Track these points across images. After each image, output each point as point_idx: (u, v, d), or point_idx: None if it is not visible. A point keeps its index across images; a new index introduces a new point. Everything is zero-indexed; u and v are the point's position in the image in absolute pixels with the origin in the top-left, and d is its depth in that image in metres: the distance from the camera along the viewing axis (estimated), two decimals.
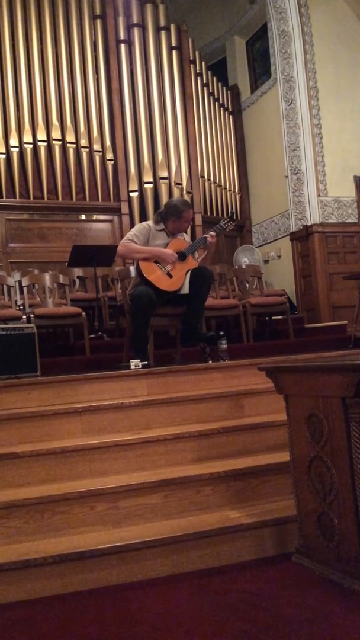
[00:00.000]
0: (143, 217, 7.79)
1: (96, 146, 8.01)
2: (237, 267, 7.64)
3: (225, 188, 9.14)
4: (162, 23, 8.53)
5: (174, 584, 2.16)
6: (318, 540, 2.15)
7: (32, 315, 4.92)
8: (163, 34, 8.51)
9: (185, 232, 4.52)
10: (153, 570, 2.24)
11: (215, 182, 8.94)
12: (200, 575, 2.22)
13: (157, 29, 8.50)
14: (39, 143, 7.63)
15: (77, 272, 6.83)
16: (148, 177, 8.08)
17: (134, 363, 3.77)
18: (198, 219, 8.36)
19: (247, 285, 6.38)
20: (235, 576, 2.19)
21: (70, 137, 7.83)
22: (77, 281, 6.86)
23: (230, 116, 9.52)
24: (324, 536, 2.11)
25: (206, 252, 4.39)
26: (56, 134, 7.74)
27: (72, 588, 2.17)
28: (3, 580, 2.12)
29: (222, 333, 4.33)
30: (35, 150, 7.64)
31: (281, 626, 1.77)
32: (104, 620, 1.91)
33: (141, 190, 8.09)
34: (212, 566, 2.29)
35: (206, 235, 4.30)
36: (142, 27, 8.42)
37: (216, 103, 9.25)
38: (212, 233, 4.31)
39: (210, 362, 4.10)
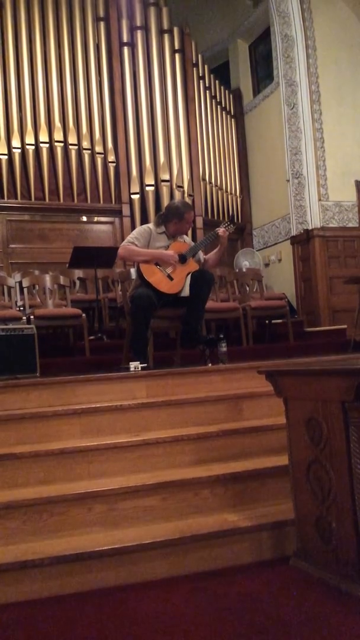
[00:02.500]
0: (144, 220, 7.80)
1: (98, 148, 8.02)
2: (237, 270, 7.64)
3: (226, 191, 9.16)
4: (165, 26, 8.56)
5: (172, 586, 2.16)
6: (316, 544, 2.15)
7: (32, 316, 4.92)
8: (166, 36, 8.53)
9: (186, 235, 4.52)
10: (151, 572, 2.24)
11: (216, 185, 8.95)
12: (198, 578, 2.22)
13: (160, 32, 8.53)
14: (41, 144, 7.65)
15: (78, 273, 6.84)
16: (149, 180, 8.09)
17: (134, 365, 3.76)
18: (199, 222, 8.37)
19: (248, 288, 6.38)
20: (232, 579, 2.18)
21: (72, 138, 7.85)
22: (78, 282, 6.87)
23: (232, 119, 9.54)
24: (322, 539, 2.11)
25: (219, 247, 4.40)
26: (58, 135, 7.76)
27: (70, 589, 2.17)
28: (1, 581, 2.12)
29: (221, 336, 4.32)
30: (37, 151, 7.65)
31: (278, 629, 1.77)
32: (102, 621, 1.91)
33: (142, 193, 8.10)
34: (209, 569, 2.29)
35: (218, 231, 4.31)
36: (145, 29, 8.44)
37: (218, 106, 9.28)
38: (222, 228, 4.33)
39: (210, 364, 4.10)
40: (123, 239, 4.86)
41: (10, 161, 7.52)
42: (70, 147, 7.83)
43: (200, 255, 4.44)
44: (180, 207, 4.27)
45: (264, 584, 2.11)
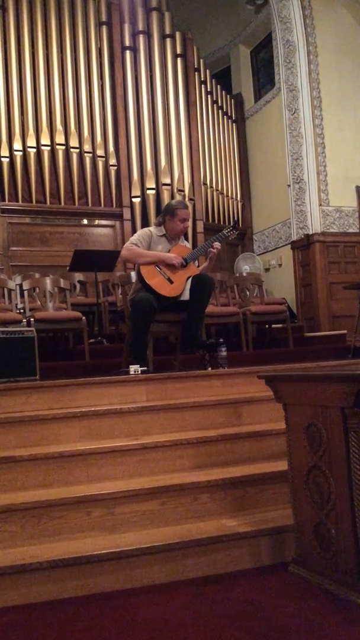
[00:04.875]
0: (145, 223, 7.81)
1: (99, 151, 8.04)
2: (237, 275, 7.65)
3: (227, 196, 9.17)
4: (168, 31, 8.58)
5: (170, 591, 2.16)
6: (315, 551, 2.14)
7: (32, 319, 4.92)
8: (168, 41, 8.56)
9: (186, 239, 4.51)
10: (149, 577, 2.24)
11: (217, 190, 8.97)
12: (197, 583, 2.21)
13: (163, 37, 8.55)
14: (43, 147, 7.66)
15: (78, 276, 6.84)
16: (150, 183, 8.11)
17: (134, 369, 3.76)
18: (200, 226, 8.38)
19: (248, 293, 6.39)
20: (231, 585, 2.18)
21: (73, 142, 7.87)
22: (78, 286, 6.87)
23: (234, 124, 9.56)
24: (321, 546, 2.11)
25: (207, 262, 4.38)
26: (60, 138, 7.77)
27: (68, 594, 2.16)
28: None
29: (221, 340, 4.33)
30: (39, 154, 7.67)
31: (276, 636, 1.76)
32: (101, 626, 1.90)
33: (143, 196, 8.11)
34: (208, 574, 2.28)
35: (210, 249, 4.28)
36: (148, 34, 8.47)
37: (220, 111, 9.29)
38: (217, 244, 4.29)
39: (210, 369, 4.10)
40: (124, 243, 4.86)
41: (12, 164, 7.53)
42: (71, 150, 7.84)
43: (196, 262, 4.44)
44: (174, 204, 4.28)
45: (262, 590, 2.11)
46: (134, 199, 8.08)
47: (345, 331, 6.91)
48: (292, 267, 8.09)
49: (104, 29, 8.30)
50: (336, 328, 7.30)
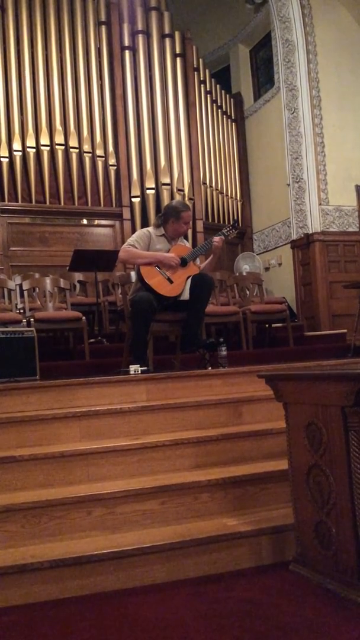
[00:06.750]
0: (144, 223, 7.81)
1: (99, 151, 8.04)
2: (237, 274, 7.65)
3: (227, 195, 9.17)
4: (167, 30, 8.58)
5: (171, 590, 2.16)
6: (315, 549, 2.14)
7: (32, 319, 4.92)
8: (167, 41, 8.55)
9: (186, 239, 4.51)
10: (150, 576, 2.24)
11: (217, 189, 8.97)
12: (197, 582, 2.22)
13: (162, 36, 8.55)
14: (42, 147, 7.66)
15: (78, 276, 6.84)
16: (150, 183, 8.10)
17: (134, 368, 3.76)
18: (199, 226, 8.38)
19: (248, 292, 6.39)
20: (231, 584, 2.18)
21: (73, 142, 7.87)
22: (78, 285, 6.87)
23: (233, 124, 9.56)
24: (322, 545, 2.11)
25: (212, 257, 4.38)
26: (59, 138, 7.77)
27: (69, 593, 2.16)
28: (0, 584, 2.12)
29: (221, 340, 4.33)
30: (38, 154, 7.67)
31: (277, 635, 1.76)
32: (101, 625, 1.90)
33: (143, 196, 8.11)
34: (209, 573, 2.28)
35: (213, 240, 4.29)
36: (147, 34, 8.47)
37: (219, 110, 9.29)
38: (220, 237, 4.30)
39: (210, 368, 4.10)
40: (123, 243, 4.85)
41: (12, 164, 7.53)
42: (71, 150, 7.84)
43: (197, 260, 4.44)
44: (178, 206, 4.27)
45: (263, 589, 2.11)
46: (133, 199, 8.08)
47: (345, 330, 6.90)
48: (292, 267, 8.10)
49: (103, 28, 8.30)
50: (336, 327, 7.30)
